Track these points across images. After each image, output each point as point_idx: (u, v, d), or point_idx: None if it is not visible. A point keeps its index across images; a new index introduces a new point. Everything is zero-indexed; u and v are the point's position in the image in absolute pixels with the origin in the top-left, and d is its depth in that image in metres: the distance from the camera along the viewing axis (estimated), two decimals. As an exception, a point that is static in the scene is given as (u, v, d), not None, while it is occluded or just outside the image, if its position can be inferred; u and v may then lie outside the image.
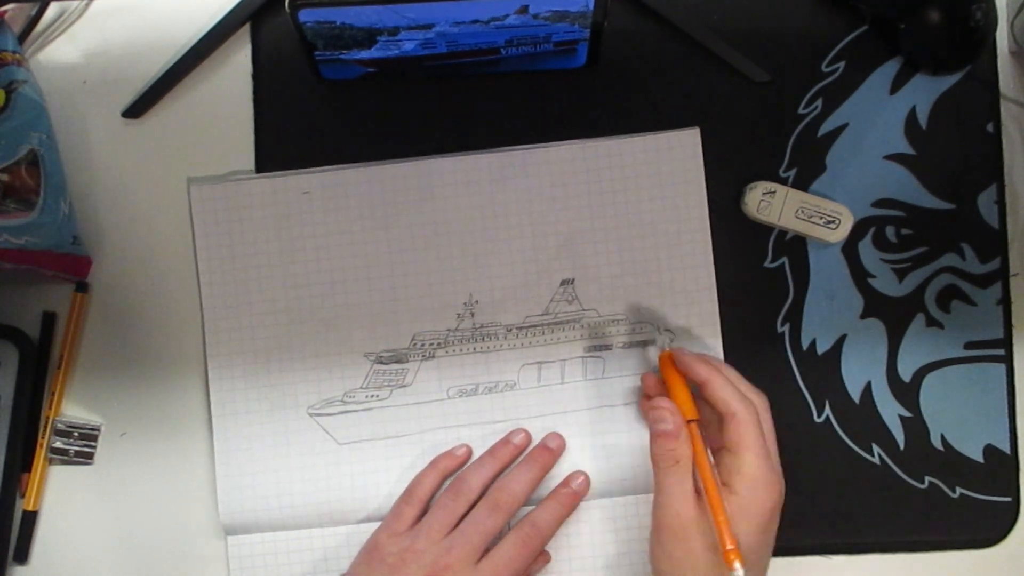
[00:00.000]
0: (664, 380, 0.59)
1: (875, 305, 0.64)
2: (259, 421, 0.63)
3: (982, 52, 0.63)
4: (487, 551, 0.58)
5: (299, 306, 0.63)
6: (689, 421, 0.56)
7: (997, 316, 0.64)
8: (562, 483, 0.62)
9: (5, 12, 0.61)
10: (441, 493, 0.61)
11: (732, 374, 0.58)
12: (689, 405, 0.57)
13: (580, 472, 0.62)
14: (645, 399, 0.62)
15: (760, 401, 0.57)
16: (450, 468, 0.62)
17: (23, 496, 0.64)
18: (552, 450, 0.62)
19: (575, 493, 0.62)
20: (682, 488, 0.54)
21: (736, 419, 0.54)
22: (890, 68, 0.64)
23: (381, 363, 0.63)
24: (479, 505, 0.59)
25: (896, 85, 0.64)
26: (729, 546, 0.51)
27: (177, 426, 0.64)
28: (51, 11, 0.64)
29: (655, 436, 0.56)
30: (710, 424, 0.57)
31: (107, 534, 0.64)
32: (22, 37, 0.64)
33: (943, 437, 0.64)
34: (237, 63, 0.65)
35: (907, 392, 0.64)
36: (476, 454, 0.63)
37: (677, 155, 0.63)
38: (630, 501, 0.63)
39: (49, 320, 0.64)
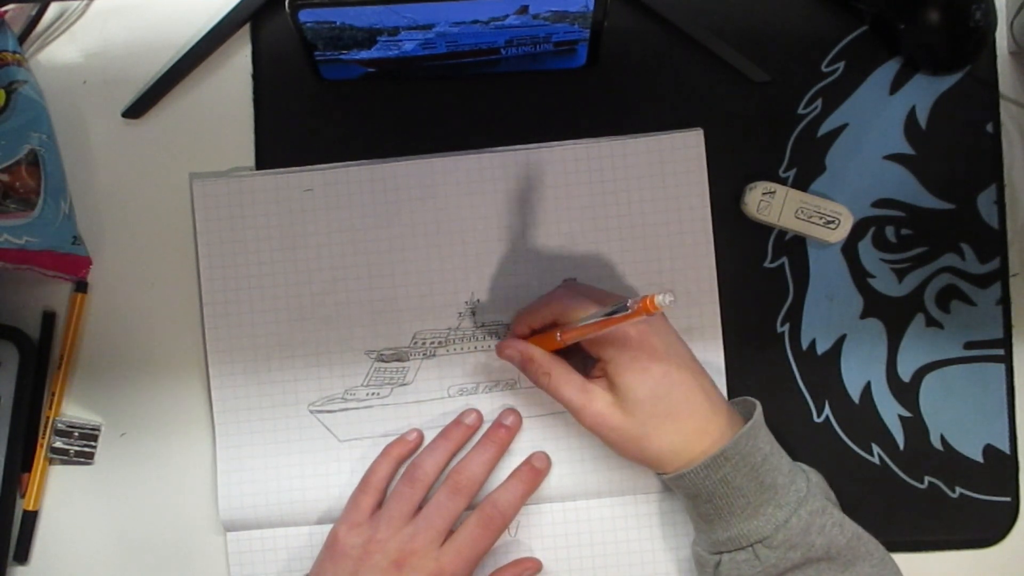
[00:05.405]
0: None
1: (875, 305, 0.64)
2: (260, 417, 0.63)
3: (982, 52, 0.63)
4: (451, 533, 0.58)
5: (300, 303, 0.63)
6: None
7: (997, 316, 0.64)
8: (524, 462, 0.62)
9: (5, 12, 0.61)
10: (397, 481, 0.61)
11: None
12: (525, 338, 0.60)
13: (541, 452, 0.62)
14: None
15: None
16: (403, 454, 0.62)
17: (23, 496, 0.64)
18: (508, 427, 0.62)
19: (536, 471, 0.61)
20: (574, 385, 0.57)
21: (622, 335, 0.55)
22: (890, 68, 0.64)
23: (382, 361, 0.63)
24: (439, 489, 0.59)
25: (896, 85, 0.64)
26: (630, 302, 0.50)
27: (177, 426, 0.64)
28: (51, 11, 0.64)
29: (523, 371, 0.59)
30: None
31: (107, 534, 0.64)
32: (22, 37, 0.64)
33: (943, 437, 0.64)
34: (237, 63, 0.65)
35: (907, 392, 0.64)
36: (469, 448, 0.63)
37: (680, 156, 0.63)
38: (629, 501, 0.63)
39: (49, 320, 0.64)
